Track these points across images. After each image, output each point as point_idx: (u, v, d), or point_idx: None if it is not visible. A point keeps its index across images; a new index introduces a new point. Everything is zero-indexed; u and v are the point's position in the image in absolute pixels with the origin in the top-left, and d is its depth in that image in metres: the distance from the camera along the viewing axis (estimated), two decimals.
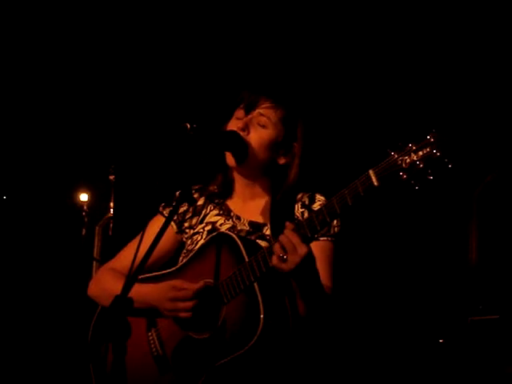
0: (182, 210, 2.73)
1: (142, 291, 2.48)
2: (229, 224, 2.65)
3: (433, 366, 4.27)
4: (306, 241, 2.26)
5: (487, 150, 4.39)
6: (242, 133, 2.56)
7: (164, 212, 2.74)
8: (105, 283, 2.69)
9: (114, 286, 2.53)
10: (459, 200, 4.47)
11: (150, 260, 2.32)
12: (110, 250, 4.96)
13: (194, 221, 2.71)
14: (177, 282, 2.48)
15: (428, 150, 2.05)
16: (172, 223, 2.71)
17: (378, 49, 4.61)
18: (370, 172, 2.13)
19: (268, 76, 4.60)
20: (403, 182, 2.08)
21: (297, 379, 2.45)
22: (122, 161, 5.03)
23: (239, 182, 2.68)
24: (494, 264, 4.35)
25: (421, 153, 2.06)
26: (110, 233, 4.90)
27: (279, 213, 2.55)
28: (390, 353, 4.55)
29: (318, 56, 4.72)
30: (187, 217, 2.73)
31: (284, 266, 2.25)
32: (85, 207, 5.04)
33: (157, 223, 2.65)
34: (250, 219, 2.62)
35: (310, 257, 2.27)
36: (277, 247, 2.27)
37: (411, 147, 2.08)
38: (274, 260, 2.27)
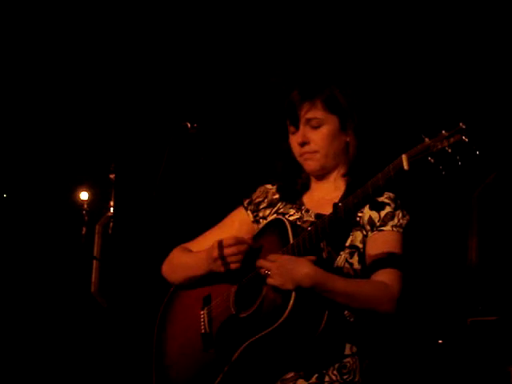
0: (257, 200, 2.77)
1: (197, 253, 2.66)
2: (297, 215, 2.68)
3: (432, 367, 4.28)
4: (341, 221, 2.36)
5: (487, 150, 4.39)
6: (303, 148, 2.62)
7: (244, 203, 2.80)
8: (173, 258, 2.79)
9: (183, 257, 2.72)
10: (459, 201, 4.48)
11: None
12: (111, 249, 4.99)
13: (268, 212, 2.74)
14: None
15: (458, 136, 2.12)
16: (249, 212, 2.75)
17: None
18: (403, 156, 2.20)
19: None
20: (431, 166, 2.16)
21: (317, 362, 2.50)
22: (123, 159, 5.03)
23: (315, 181, 2.73)
24: (493, 265, 4.36)
25: (452, 139, 2.13)
26: (110, 231, 4.91)
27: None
28: (389, 353, 4.55)
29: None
30: (261, 207, 2.76)
31: (271, 281, 2.37)
32: (85, 206, 5.05)
33: (237, 215, 2.78)
34: (317, 211, 2.65)
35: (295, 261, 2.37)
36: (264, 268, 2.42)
37: (444, 134, 2.15)
38: (269, 281, 2.39)
